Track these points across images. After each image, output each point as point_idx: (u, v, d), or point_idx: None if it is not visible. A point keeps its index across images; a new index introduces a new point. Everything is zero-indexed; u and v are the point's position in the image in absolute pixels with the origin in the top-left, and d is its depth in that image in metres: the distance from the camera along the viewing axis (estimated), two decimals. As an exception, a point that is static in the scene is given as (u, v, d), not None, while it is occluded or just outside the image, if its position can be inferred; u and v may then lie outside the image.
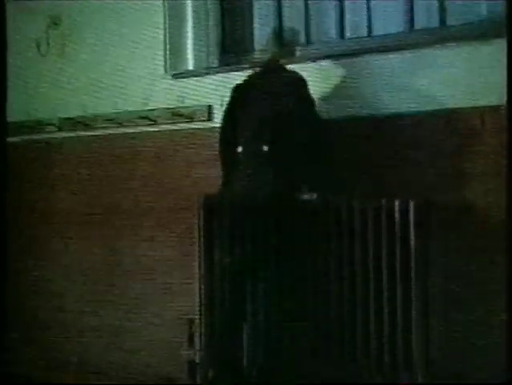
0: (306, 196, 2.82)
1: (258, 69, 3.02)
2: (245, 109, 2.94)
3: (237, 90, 3.01)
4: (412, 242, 2.59)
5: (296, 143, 2.82)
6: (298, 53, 3.12)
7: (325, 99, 2.97)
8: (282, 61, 2.99)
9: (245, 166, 2.89)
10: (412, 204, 2.61)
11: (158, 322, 3.41)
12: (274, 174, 2.78)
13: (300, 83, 2.89)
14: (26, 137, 3.84)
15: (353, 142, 2.91)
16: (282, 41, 3.05)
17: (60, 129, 3.77)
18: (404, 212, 2.61)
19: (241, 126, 2.94)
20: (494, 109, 2.65)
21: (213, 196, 3.02)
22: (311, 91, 2.89)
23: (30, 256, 3.83)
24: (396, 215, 2.62)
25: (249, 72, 3.05)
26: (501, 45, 2.59)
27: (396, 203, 2.62)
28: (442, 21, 3.02)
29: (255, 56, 3.22)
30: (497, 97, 2.62)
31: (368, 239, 2.68)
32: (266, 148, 2.81)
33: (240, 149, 2.89)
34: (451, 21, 3.00)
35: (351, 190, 2.81)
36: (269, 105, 2.87)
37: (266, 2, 3.49)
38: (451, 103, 2.75)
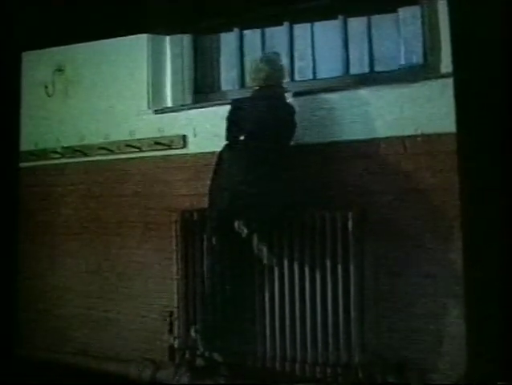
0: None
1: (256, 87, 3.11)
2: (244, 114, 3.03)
3: (236, 101, 3.12)
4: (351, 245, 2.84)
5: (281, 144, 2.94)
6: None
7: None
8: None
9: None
10: (350, 214, 2.86)
11: (144, 313, 3.58)
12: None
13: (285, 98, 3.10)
14: (34, 163, 3.98)
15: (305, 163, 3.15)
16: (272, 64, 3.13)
17: (62, 156, 3.93)
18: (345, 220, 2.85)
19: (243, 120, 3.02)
20: (412, 138, 2.99)
21: (188, 212, 3.18)
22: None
23: (39, 260, 3.95)
24: (338, 223, 2.87)
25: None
26: (416, 88, 2.97)
27: (338, 214, 2.87)
28: (371, 67, 3.39)
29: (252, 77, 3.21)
30: (414, 129, 2.98)
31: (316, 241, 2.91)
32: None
33: (242, 137, 2.98)
34: (378, 68, 3.36)
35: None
36: (265, 112, 2.97)
37: (230, 51, 3.73)
38: (379, 133, 3.04)
